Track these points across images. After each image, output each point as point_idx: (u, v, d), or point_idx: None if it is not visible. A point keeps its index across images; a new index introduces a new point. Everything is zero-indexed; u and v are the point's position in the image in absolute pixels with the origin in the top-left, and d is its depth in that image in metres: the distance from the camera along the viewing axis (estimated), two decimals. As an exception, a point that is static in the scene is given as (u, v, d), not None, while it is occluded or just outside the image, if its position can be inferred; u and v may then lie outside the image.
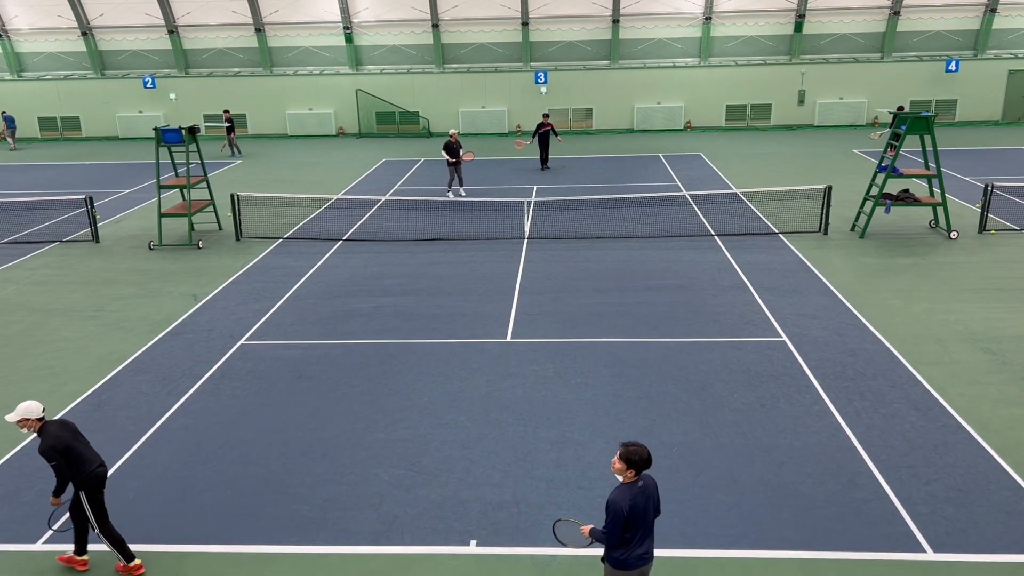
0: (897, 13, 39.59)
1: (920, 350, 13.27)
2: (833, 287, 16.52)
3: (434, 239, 21.08)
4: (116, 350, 14.17)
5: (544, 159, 30.39)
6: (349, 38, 41.30)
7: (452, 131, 25.78)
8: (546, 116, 30.51)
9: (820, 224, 20.74)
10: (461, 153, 25.47)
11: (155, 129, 21.05)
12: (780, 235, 20.56)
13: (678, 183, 27.51)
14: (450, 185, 25.72)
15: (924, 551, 8.32)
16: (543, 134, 30.28)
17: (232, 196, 21.50)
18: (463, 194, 25.29)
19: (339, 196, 24.03)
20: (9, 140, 36.50)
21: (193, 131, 21.29)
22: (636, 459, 6.36)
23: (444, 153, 25.52)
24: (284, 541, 8.75)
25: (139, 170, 33.19)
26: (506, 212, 23.40)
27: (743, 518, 8.91)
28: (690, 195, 24.43)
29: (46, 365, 13.61)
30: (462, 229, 21.92)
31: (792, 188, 22.87)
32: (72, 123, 42.94)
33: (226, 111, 37.48)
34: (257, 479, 9.95)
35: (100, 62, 42.91)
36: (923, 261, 18.20)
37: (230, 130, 35.92)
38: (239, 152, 35.91)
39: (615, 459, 6.43)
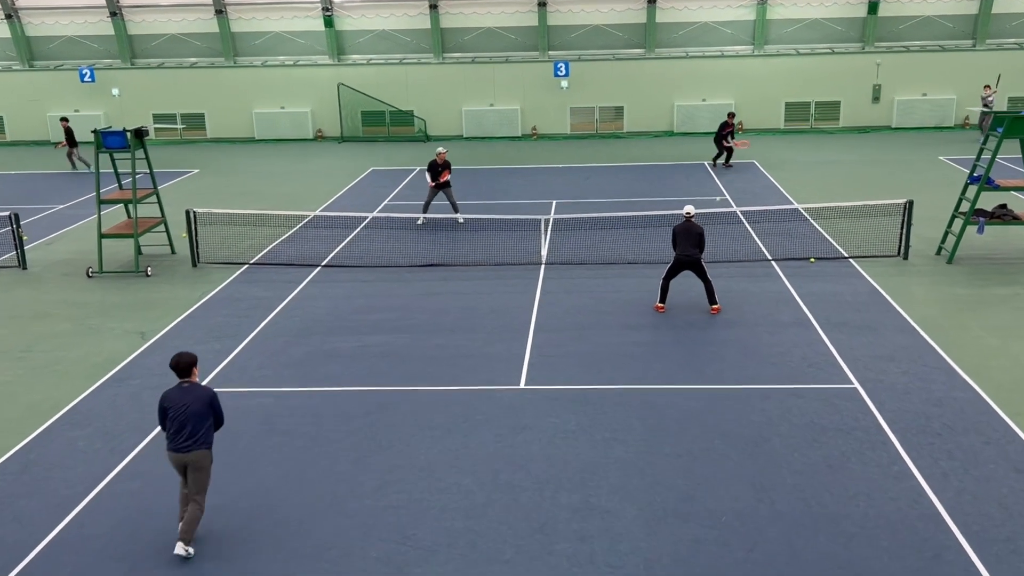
0: (992, -9, 40.03)
1: (1021, 399, 13.38)
2: (915, 323, 16.65)
3: (432, 265, 21.31)
4: (48, 398, 14.39)
5: (725, 158, 33.01)
6: (329, 22, 41.91)
7: (440, 149, 25.24)
8: (732, 116, 33.07)
9: (899, 247, 20.90)
10: (443, 172, 24.82)
11: (94, 132, 21.37)
12: (851, 260, 20.74)
13: (727, 197, 27.75)
14: (425, 210, 25.30)
15: (1025, 643, 8.41)
16: (724, 135, 32.71)
17: (188, 213, 21.81)
18: (460, 220, 25.08)
19: (317, 213, 24.30)
20: (78, 160, 36.17)
21: (140, 134, 21.62)
22: None
23: (427, 175, 25.02)
24: (252, 628, 8.90)
25: (75, 181, 33.71)
26: (519, 232, 23.65)
27: (806, 602, 9.02)
28: (741, 211, 24.64)
29: (-35, 416, 13.84)
30: (466, 253, 22.19)
31: (865, 203, 23.04)
32: (-6, 125, 43.60)
33: (64, 119, 36.62)
34: (218, 557, 10.10)
35: (28, 51, 43.61)
36: (1025, 292, 18.37)
37: (71, 142, 35.48)
38: (86, 165, 35.66)
39: None
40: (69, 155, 35.76)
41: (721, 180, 30.27)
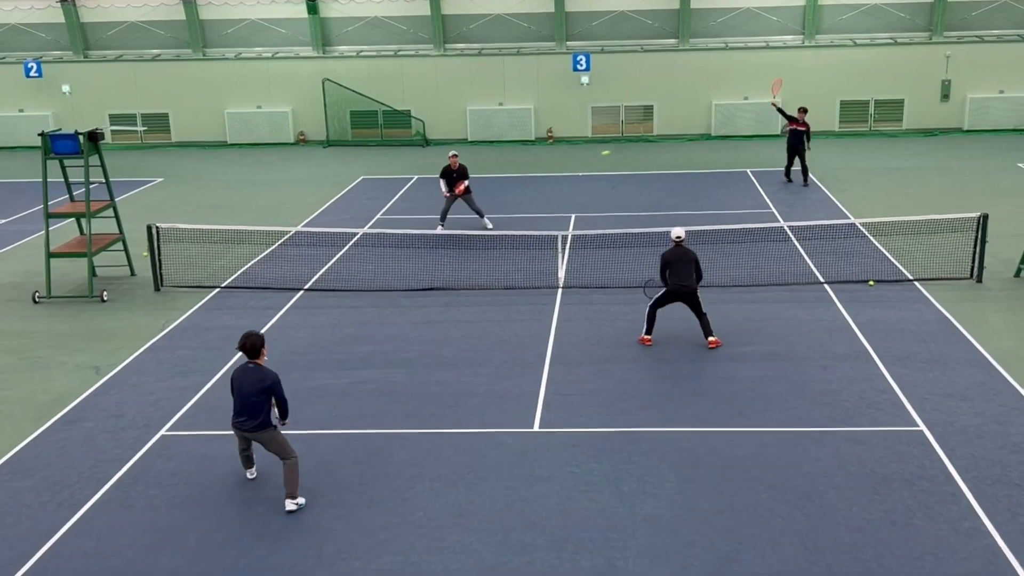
0: (1079, -29, 40.13)
1: (1116, 446, 13.39)
2: (990, 356, 16.67)
3: (431, 288, 21.40)
4: (-10, 443, 14.51)
5: (803, 171, 31.23)
6: (313, 8, 42.15)
7: (452, 152, 26.24)
8: (803, 112, 31.26)
9: (972, 268, 20.93)
10: (459, 183, 25.74)
11: (42, 135, 21.56)
12: (916, 283, 20.77)
13: (773, 210, 27.84)
14: (443, 217, 26.03)
15: None
16: (795, 135, 31.06)
17: (150, 229, 21.93)
18: (489, 226, 25.73)
19: (299, 228, 24.40)
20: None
21: (95, 137, 21.78)
22: None
23: (441, 183, 26.09)
24: None
25: (19, 192, 33.86)
26: (533, 250, 23.72)
27: None
28: (789, 226, 24.68)
29: None
30: (471, 274, 22.27)
31: (933, 217, 23.04)
32: (-73, 127, 43.79)
33: None
34: (186, 623, 10.13)
35: (-32, 43, 43.95)
36: (1120, 320, 18.34)
37: None
38: None
39: None
40: None
41: (766, 190, 30.34)
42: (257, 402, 12.04)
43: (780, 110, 32.35)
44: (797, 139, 31.00)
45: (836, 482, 12.52)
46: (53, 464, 13.70)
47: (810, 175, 31.37)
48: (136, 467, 13.52)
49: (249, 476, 13.05)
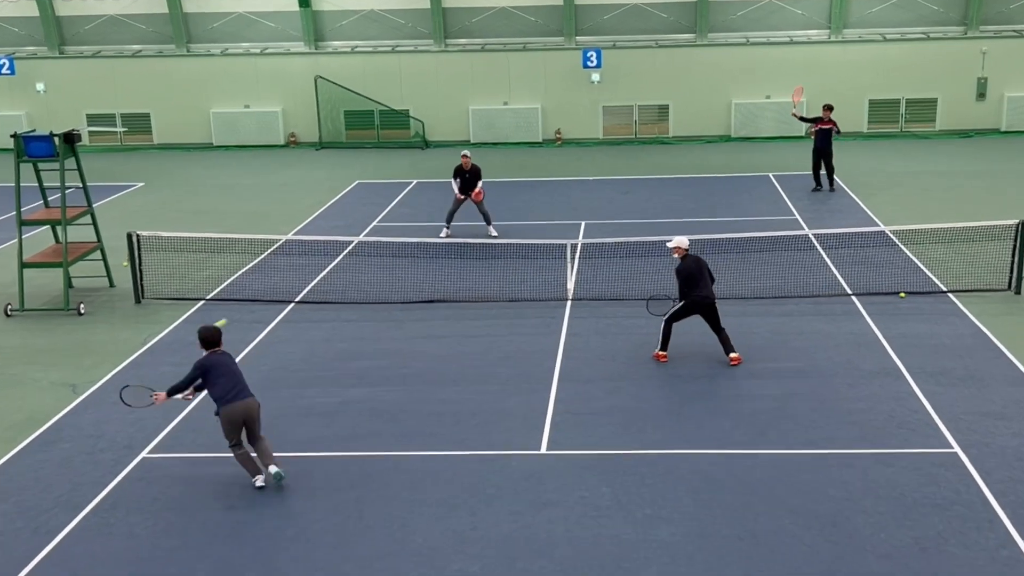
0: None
1: None
2: (1031, 373, 16.74)
3: (432, 300, 21.48)
4: (-40, 465, 14.53)
5: (829, 175, 31.10)
6: (305, 2, 42.22)
7: (464, 152, 26.54)
8: (828, 109, 30.98)
9: (1010, 279, 20.98)
10: (477, 186, 26.12)
11: (14, 136, 21.65)
12: (950, 295, 20.83)
13: (797, 217, 27.90)
14: (448, 220, 26.21)
15: None
16: (822, 135, 30.88)
17: (130, 236, 22.05)
18: (494, 233, 25.88)
19: (290, 237, 24.44)
20: None
21: (71, 139, 21.85)
22: None
23: (453, 183, 26.37)
24: None
25: (-9, 197, 33.94)
26: (539, 259, 23.70)
27: None
28: (815, 234, 24.71)
29: None
30: (474, 285, 22.32)
31: (968, 224, 23.08)
32: None
33: None
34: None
35: (-65, 38, 44.07)
36: None
37: None
38: None
39: None
40: None
41: (790, 195, 30.39)
42: (239, 372, 13.74)
43: (802, 118, 32.12)
44: (824, 140, 30.80)
45: (864, 507, 12.55)
46: (27, 488, 13.74)
47: (836, 179, 31.28)
48: (116, 491, 13.56)
49: (258, 484, 13.58)
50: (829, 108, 31.11)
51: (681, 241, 17.48)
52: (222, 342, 13.74)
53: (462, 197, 26.05)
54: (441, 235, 25.95)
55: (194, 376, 13.51)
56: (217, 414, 13.40)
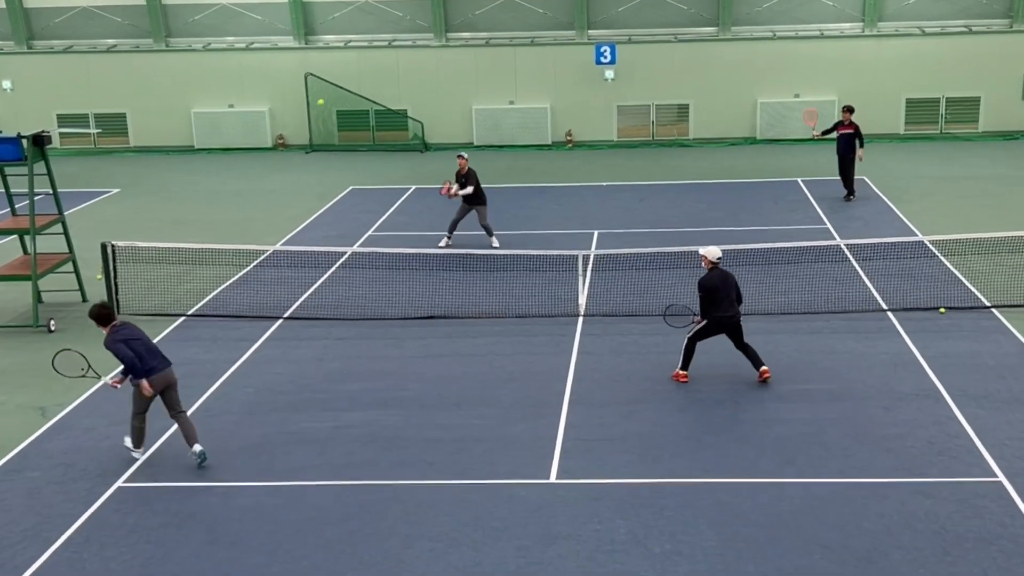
0: None
1: None
2: (1084, 396, 16.73)
3: (432, 317, 21.55)
4: (-79, 495, 14.54)
5: (849, 181, 31.08)
6: (293, -8, 42.45)
7: (460, 154, 26.74)
8: (848, 111, 30.90)
9: (1062, 293, 21.06)
10: (449, 187, 26.43)
11: (-21, 138, 21.80)
12: (994, 310, 20.87)
13: (828, 225, 27.97)
14: (451, 229, 26.34)
15: None
16: (844, 140, 30.85)
17: (105, 247, 22.15)
18: (496, 244, 25.99)
19: (277, 247, 24.49)
20: None
21: (41, 141, 21.95)
22: None
23: (454, 184, 26.64)
24: None
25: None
26: (548, 272, 23.64)
27: None
28: (847, 244, 24.75)
29: None
30: (478, 300, 22.38)
31: (1013, 234, 23.09)
32: None
33: None
34: None
35: None
36: None
37: None
38: None
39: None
40: None
41: (820, 202, 30.46)
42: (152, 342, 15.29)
43: (825, 132, 31.78)
44: (846, 145, 30.67)
45: (901, 541, 12.55)
46: (-6, 519, 13.80)
47: (855, 186, 31.01)
48: (89, 524, 13.57)
49: (199, 452, 14.93)
50: (850, 110, 31.02)
51: (710, 251, 17.41)
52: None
53: (458, 192, 26.24)
54: (440, 244, 26.10)
55: (126, 355, 14.63)
56: (135, 383, 14.72)
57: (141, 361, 14.65)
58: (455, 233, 26.44)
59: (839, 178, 31.23)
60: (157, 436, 16.04)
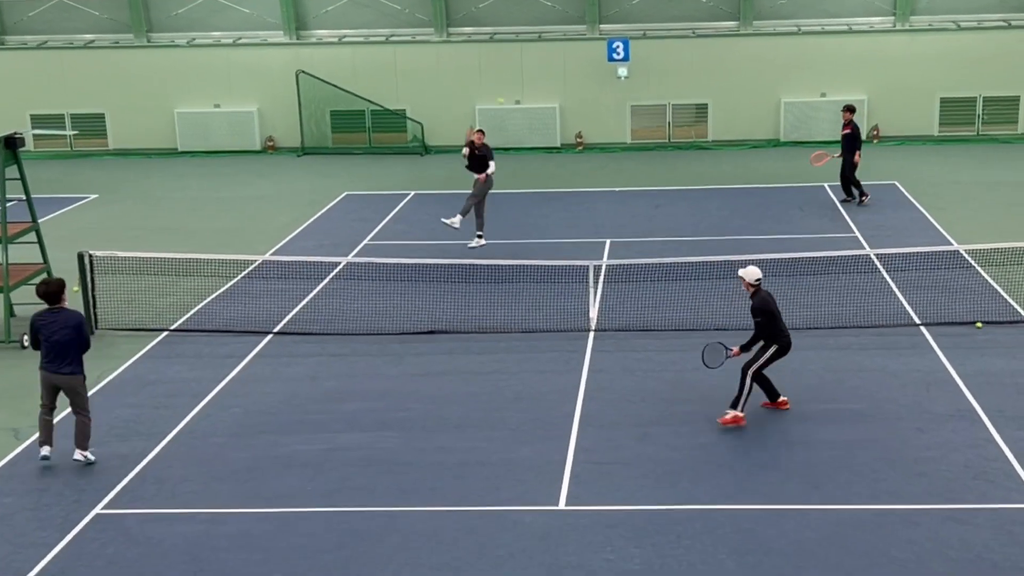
0: None
1: None
2: None
3: (433, 331, 21.57)
4: None
5: (845, 183, 31.27)
6: (284, -15, 42.47)
7: (474, 128, 26.64)
8: (850, 111, 31.10)
9: (1108, 306, 21.05)
10: (490, 167, 26.54)
11: (-52, 141, 21.76)
12: (1036, 325, 20.94)
13: (857, 234, 27.94)
14: (479, 226, 26.42)
15: None
16: (846, 140, 30.94)
17: (82, 257, 22.18)
18: (473, 245, 25.98)
19: (267, 257, 24.50)
20: None
21: (13, 143, 21.95)
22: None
23: (464, 150, 26.92)
24: None
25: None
26: (557, 284, 23.69)
27: None
28: (877, 254, 24.73)
29: None
30: (482, 314, 22.38)
31: (1056, 243, 23.17)
32: None
33: None
34: None
35: None
36: None
37: None
38: None
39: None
40: None
41: (848, 209, 30.42)
42: (67, 342, 15.41)
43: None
44: (848, 146, 30.86)
45: (934, 571, 12.52)
46: (-37, 549, 13.80)
47: (853, 191, 31.19)
48: (65, 553, 13.55)
49: (44, 453, 15.64)
50: (850, 110, 31.23)
51: (749, 272, 16.90)
52: (63, 298, 15.75)
53: (482, 177, 26.33)
54: (472, 245, 26.12)
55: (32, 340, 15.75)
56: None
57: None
58: (484, 222, 26.70)
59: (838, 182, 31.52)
60: (137, 459, 16.04)
